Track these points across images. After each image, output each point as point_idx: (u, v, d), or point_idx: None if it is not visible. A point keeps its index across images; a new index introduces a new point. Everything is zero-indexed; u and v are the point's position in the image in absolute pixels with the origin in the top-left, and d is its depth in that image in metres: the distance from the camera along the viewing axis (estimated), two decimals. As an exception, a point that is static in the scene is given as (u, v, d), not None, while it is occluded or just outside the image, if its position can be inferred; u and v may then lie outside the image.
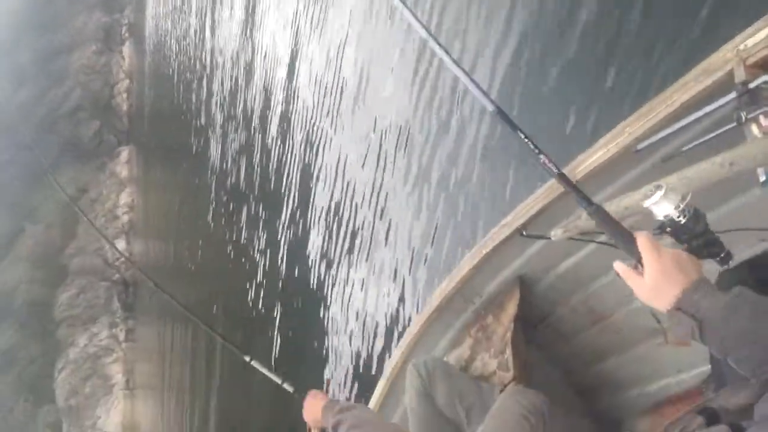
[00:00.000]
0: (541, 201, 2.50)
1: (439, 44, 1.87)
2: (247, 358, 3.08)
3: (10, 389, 23.73)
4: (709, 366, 2.07)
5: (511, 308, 2.98)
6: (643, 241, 1.38)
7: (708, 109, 1.86)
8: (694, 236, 1.47)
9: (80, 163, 29.93)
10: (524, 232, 2.65)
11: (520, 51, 4.88)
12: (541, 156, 1.64)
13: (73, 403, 21.73)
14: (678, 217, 1.46)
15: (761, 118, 1.72)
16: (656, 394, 3.02)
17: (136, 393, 21.34)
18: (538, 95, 4.66)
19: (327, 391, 2.52)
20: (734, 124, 1.76)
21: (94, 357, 22.69)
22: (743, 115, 1.73)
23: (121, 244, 24.90)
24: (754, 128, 1.72)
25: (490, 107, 1.77)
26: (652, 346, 2.95)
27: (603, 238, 2.58)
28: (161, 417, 17.81)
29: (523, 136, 1.69)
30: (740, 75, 1.79)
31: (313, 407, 2.37)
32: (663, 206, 1.47)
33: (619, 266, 1.42)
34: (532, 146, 1.66)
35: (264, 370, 2.98)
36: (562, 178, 1.62)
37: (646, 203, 1.49)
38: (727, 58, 1.86)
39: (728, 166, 1.70)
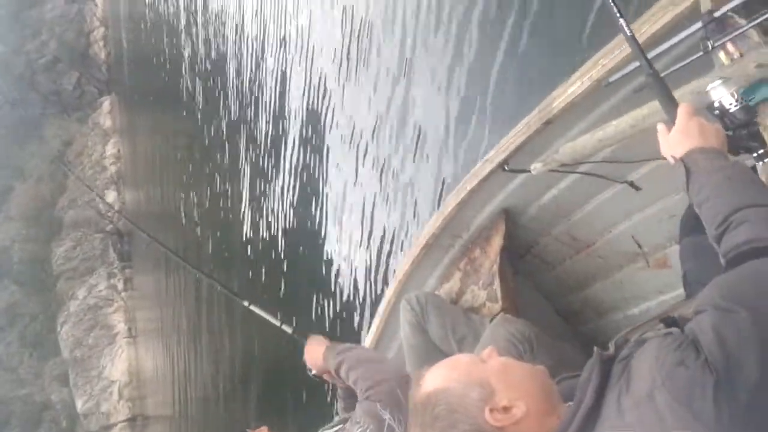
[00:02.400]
0: (522, 135, 2.53)
1: None
2: (246, 303, 3.16)
3: (14, 346, 24.02)
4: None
5: (497, 241, 3.05)
6: (683, 106, 1.50)
7: (675, 39, 1.88)
8: (738, 125, 1.54)
9: (63, 116, 29.55)
10: (506, 167, 2.69)
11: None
12: (621, 19, 1.64)
13: (78, 354, 22.02)
14: (730, 103, 1.54)
15: (728, 45, 1.75)
16: (639, 317, 3.11)
17: (138, 340, 21.62)
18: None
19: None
20: (701, 53, 1.79)
21: (95, 308, 22.89)
22: (710, 44, 1.76)
23: (111, 195, 24.82)
24: (722, 56, 1.76)
25: None
26: (633, 270, 3.03)
27: (582, 168, 2.65)
28: (166, 361, 18.11)
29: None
30: (706, 4, 1.81)
31: (314, 351, 2.45)
32: (719, 90, 1.56)
33: (659, 125, 1.54)
34: (615, 9, 1.64)
35: (263, 313, 3.06)
36: (634, 41, 1.64)
37: (708, 86, 1.58)
38: None
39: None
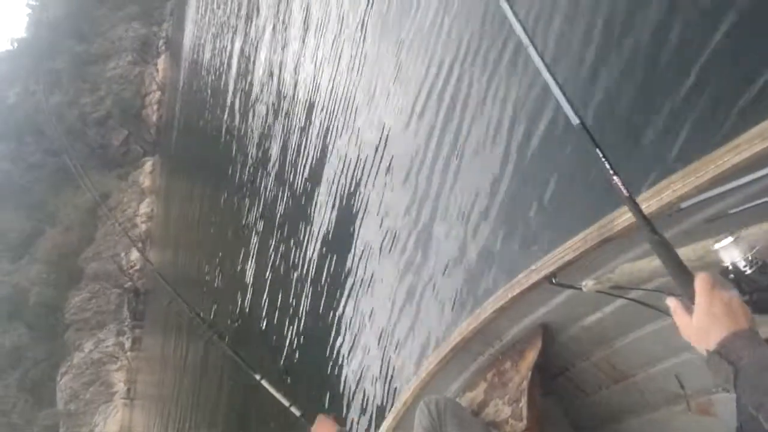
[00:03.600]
0: (575, 250, 2.43)
1: (536, 49, 1.87)
2: (258, 377, 3.06)
3: (12, 390, 23.75)
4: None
5: (531, 356, 2.91)
6: (702, 278, 1.38)
7: (760, 173, 1.81)
8: (757, 289, 1.42)
9: (105, 170, 30.24)
10: (554, 280, 2.58)
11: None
12: (615, 177, 1.63)
13: (72, 407, 21.68)
14: (745, 266, 1.42)
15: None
16: None
17: (136, 403, 21.25)
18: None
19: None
20: None
21: (99, 363, 22.69)
22: None
23: (136, 253, 25.04)
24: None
25: (575, 120, 1.75)
26: (673, 413, 2.86)
27: (633, 295, 2.53)
28: (159, 430, 17.71)
29: (601, 155, 1.68)
30: None
31: None
32: (731, 252, 1.45)
33: (671, 301, 1.43)
34: (608, 166, 1.65)
35: (273, 391, 2.96)
36: (632, 203, 1.60)
37: (716, 246, 1.47)
38: None
39: None
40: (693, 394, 2.76)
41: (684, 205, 2.04)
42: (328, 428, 2.34)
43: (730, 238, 1.45)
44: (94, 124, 33.34)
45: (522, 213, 5.14)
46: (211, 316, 13.50)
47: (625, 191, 1.60)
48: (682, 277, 1.44)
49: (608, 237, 2.31)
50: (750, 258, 1.43)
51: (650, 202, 2.16)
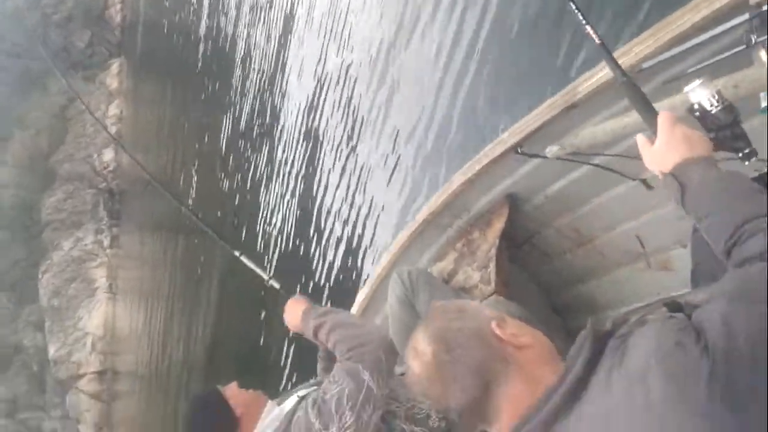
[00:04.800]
0: (540, 119, 2.48)
1: None
2: (237, 253, 3.12)
3: (-6, 288, 23.89)
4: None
5: (498, 225, 3.00)
6: (663, 114, 1.46)
7: (718, 30, 1.84)
8: (721, 127, 1.49)
9: (71, 72, 29.37)
10: (520, 150, 2.64)
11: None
12: (587, 26, 1.67)
13: (56, 303, 21.93)
14: (710, 105, 1.49)
15: (773, 43, 1.70)
16: None
17: (118, 298, 21.55)
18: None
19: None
20: (743, 47, 1.74)
21: (78, 261, 22.78)
22: (753, 38, 1.72)
23: (109, 155, 24.71)
24: (762, 53, 1.71)
25: None
26: (633, 270, 2.99)
27: (596, 161, 2.61)
28: (142, 322, 18.12)
29: (573, 6, 1.72)
30: None
31: (293, 312, 2.39)
32: (698, 93, 1.51)
33: (639, 137, 1.50)
34: (580, 16, 1.69)
35: (252, 266, 3.02)
36: (603, 49, 1.65)
37: (685, 89, 1.53)
38: None
39: (731, 88, 1.71)
40: (652, 252, 2.89)
41: (645, 65, 2.08)
42: (300, 304, 2.42)
43: (698, 81, 1.51)
44: (56, 26, 32.12)
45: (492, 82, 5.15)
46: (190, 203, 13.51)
47: (596, 38, 1.64)
48: (649, 114, 1.52)
49: (573, 103, 2.35)
50: (716, 98, 1.49)
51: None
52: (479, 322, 1.28)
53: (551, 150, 2.45)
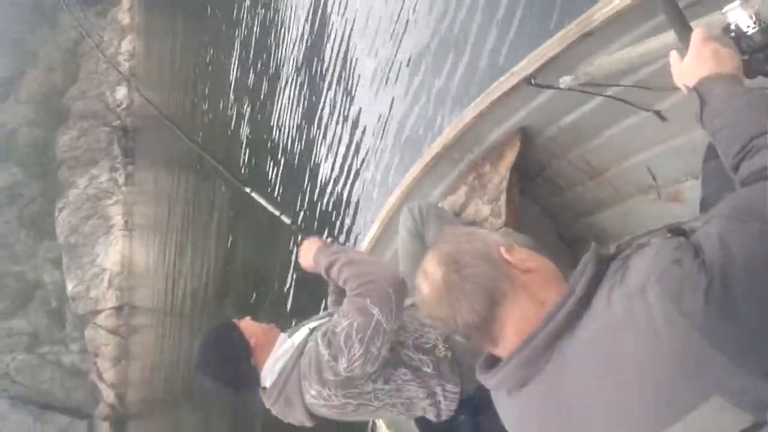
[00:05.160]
0: (554, 48, 2.44)
1: None
2: (248, 190, 3.14)
3: (13, 225, 24.16)
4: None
5: (510, 158, 2.99)
6: (698, 30, 1.43)
7: None
8: (755, 49, 1.45)
9: (82, 8, 29.03)
10: (533, 81, 2.61)
11: None
12: None
13: (72, 240, 22.22)
14: (747, 26, 1.45)
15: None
16: None
17: (134, 234, 21.80)
18: None
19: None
20: None
21: (94, 198, 22.98)
22: None
23: (122, 92, 24.62)
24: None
25: None
26: (644, 202, 2.99)
27: (610, 92, 2.57)
28: (158, 257, 18.35)
29: None
30: None
31: (308, 251, 2.41)
32: (736, 12, 1.47)
33: (673, 53, 1.48)
34: None
35: (263, 201, 3.04)
36: None
37: (725, 8, 1.49)
38: None
39: None
40: (663, 184, 2.88)
41: None
42: (314, 244, 2.44)
43: (738, 1, 1.47)
44: (65, -44, 31.69)
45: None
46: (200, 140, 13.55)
47: None
48: (684, 30, 1.48)
49: (588, 32, 2.31)
50: (753, 18, 1.45)
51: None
52: (488, 245, 1.31)
53: (565, 81, 2.43)
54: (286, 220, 2.90)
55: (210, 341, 2.29)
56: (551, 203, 3.30)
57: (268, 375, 2.24)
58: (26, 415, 20.27)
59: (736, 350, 1.02)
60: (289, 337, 2.33)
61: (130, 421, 20.59)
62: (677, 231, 1.21)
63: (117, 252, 21.33)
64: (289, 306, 7.88)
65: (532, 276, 1.28)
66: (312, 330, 2.25)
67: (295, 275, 7.69)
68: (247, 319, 2.35)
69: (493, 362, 1.31)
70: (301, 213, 7.86)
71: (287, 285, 7.98)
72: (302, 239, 2.58)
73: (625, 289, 1.11)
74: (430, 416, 2.36)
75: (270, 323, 2.38)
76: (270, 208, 2.98)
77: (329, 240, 2.51)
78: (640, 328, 1.07)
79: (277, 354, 2.25)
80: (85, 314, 20.75)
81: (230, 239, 11.69)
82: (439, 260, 1.31)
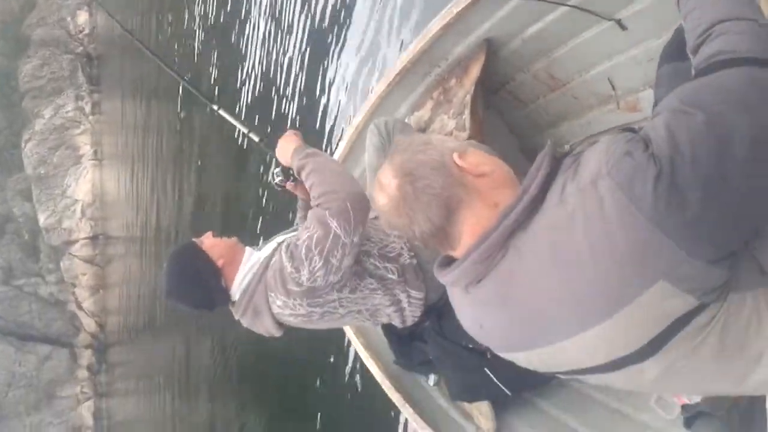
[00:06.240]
0: None
1: None
2: (215, 107, 3.11)
3: (-24, 158, 23.79)
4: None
5: (475, 71, 2.99)
6: None
7: None
8: None
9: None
10: None
11: None
12: None
13: (42, 171, 21.96)
14: None
15: None
16: None
17: (104, 163, 21.59)
18: None
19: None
20: None
21: (61, 128, 22.58)
22: None
23: (83, 17, 23.86)
24: None
25: None
26: (603, 112, 3.03)
27: (572, 1, 2.58)
28: (130, 186, 18.21)
29: None
30: None
31: (285, 147, 2.41)
32: None
33: None
34: None
35: (231, 119, 3.02)
36: None
37: None
38: None
39: None
40: (623, 94, 2.92)
41: None
42: (292, 141, 2.44)
43: None
44: None
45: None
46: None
47: None
48: None
49: None
50: None
51: None
52: (441, 153, 1.31)
53: None
54: (255, 137, 2.89)
55: (176, 267, 2.30)
56: (514, 116, 3.34)
57: (236, 290, 2.29)
58: (7, 346, 20.43)
59: (684, 236, 1.06)
60: (259, 250, 2.38)
61: (111, 347, 20.85)
62: (629, 131, 1.24)
63: (88, 182, 21.13)
64: (259, 227, 7.96)
65: (486, 180, 1.30)
66: (279, 243, 2.29)
67: (266, 196, 7.73)
68: (209, 235, 2.38)
69: (450, 261, 1.35)
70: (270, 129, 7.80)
71: (259, 206, 8.02)
72: (265, 151, 2.58)
73: (578, 182, 1.14)
74: (396, 323, 2.46)
75: (232, 237, 2.40)
76: (238, 125, 2.96)
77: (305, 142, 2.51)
78: (591, 217, 1.11)
79: (245, 269, 2.29)
80: (60, 245, 20.70)
81: (199, 163, 11.61)
82: (394, 172, 1.31)
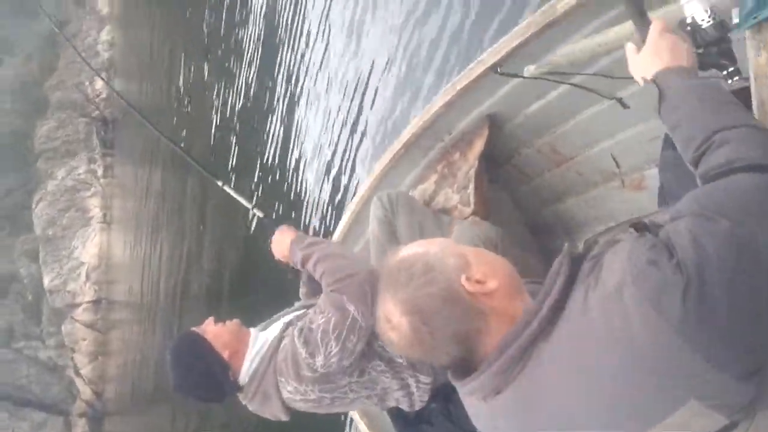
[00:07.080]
0: (519, 38, 2.46)
1: None
2: (220, 183, 3.13)
3: (-12, 217, 23.96)
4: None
5: (479, 146, 3.01)
6: (656, 23, 1.45)
7: None
8: (709, 43, 1.48)
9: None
10: (499, 69, 2.63)
11: None
12: None
13: (50, 233, 22.06)
14: (702, 20, 1.47)
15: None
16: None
17: (112, 227, 21.69)
18: None
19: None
20: None
21: (72, 190, 22.81)
22: None
23: (101, 83, 24.34)
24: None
25: None
26: (609, 189, 3.03)
27: (575, 80, 2.60)
28: (136, 251, 18.24)
29: None
30: None
31: (281, 241, 2.40)
32: (693, 6, 1.49)
33: (629, 45, 1.51)
34: None
35: (236, 195, 3.04)
36: None
37: (682, 1, 1.50)
38: None
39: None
40: (627, 172, 2.92)
41: None
42: (288, 234, 2.43)
43: None
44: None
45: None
46: (182, 142, 13.50)
47: None
48: (641, 22, 1.50)
49: (551, 21, 2.33)
50: (708, 12, 1.47)
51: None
52: (448, 280, 1.23)
53: (529, 69, 2.45)
54: (259, 213, 2.89)
55: (183, 361, 2.21)
56: (519, 191, 3.34)
57: (245, 375, 2.22)
58: (2, 412, 20.09)
59: (714, 351, 1.02)
60: (262, 330, 2.32)
61: (107, 417, 20.48)
62: (640, 227, 1.20)
63: (95, 245, 21.18)
64: (265, 298, 7.91)
65: (496, 296, 1.24)
66: (287, 324, 2.25)
67: (270, 267, 7.70)
68: (210, 322, 2.28)
69: (465, 367, 1.27)
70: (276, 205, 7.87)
71: (259, 276, 7.99)
72: (270, 226, 2.58)
73: (601, 291, 1.10)
74: (404, 407, 2.37)
75: (233, 320, 2.31)
76: (242, 201, 2.98)
77: (300, 231, 2.50)
78: (616, 332, 1.06)
79: (252, 353, 2.22)
80: (62, 308, 20.59)
81: (207, 233, 11.66)
82: (402, 310, 1.23)
